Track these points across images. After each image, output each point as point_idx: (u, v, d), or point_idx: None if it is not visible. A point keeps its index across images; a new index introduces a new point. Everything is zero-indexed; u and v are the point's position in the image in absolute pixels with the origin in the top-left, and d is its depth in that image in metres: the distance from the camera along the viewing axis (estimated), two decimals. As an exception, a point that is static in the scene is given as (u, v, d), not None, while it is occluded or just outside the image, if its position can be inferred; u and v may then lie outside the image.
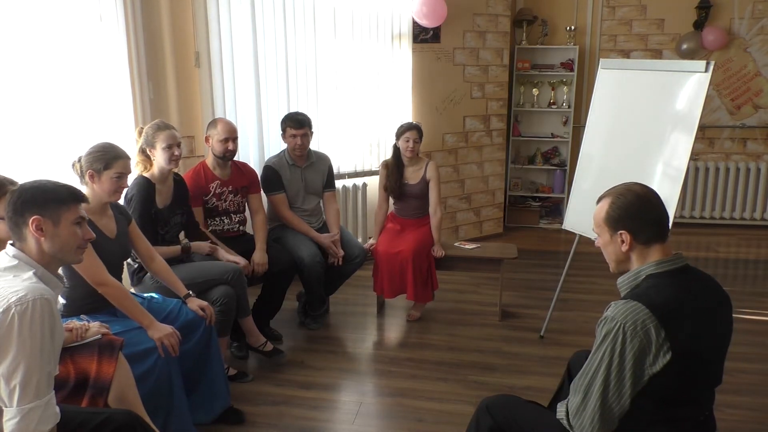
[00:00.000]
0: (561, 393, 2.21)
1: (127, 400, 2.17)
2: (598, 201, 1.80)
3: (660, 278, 1.68)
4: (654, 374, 1.59)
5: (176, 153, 2.99)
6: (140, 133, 3.07)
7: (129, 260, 2.98)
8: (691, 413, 1.70)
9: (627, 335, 1.57)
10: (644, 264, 1.72)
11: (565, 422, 1.72)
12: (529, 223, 6.24)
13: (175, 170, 3.16)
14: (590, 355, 1.66)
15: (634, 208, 1.70)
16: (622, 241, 1.72)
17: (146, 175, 3.03)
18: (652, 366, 1.58)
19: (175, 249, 3.11)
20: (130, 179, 2.84)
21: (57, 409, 1.71)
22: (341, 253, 3.75)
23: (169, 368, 2.45)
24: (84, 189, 2.51)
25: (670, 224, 1.84)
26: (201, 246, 3.20)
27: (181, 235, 3.29)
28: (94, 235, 1.93)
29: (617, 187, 1.78)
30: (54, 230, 1.78)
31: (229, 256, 3.26)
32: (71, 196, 1.84)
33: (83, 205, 1.88)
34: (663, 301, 1.61)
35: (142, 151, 3.03)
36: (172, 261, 2.97)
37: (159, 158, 2.99)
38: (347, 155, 4.80)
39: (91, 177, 2.48)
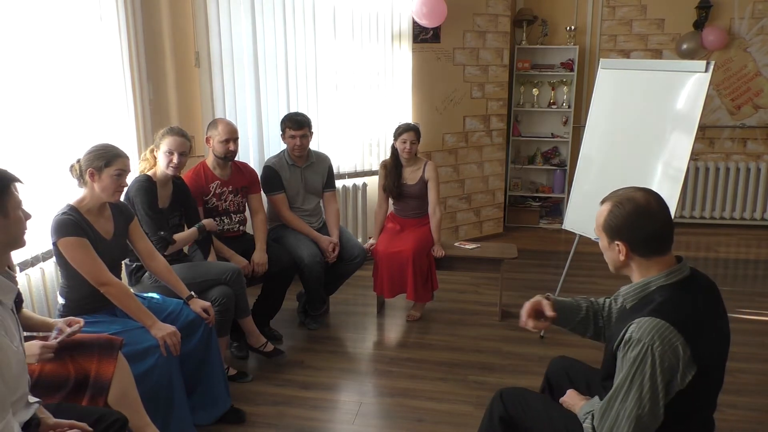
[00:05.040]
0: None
1: (127, 399, 2.17)
2: (602, 203, 1.73)
3: (672, 290, 1.64)
4: (679, 390, 1.58)
5: (175, 160, 2.98)
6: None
7: (126, 260, 2.98)
8: (699, 418, 1.72)
9: (656, 356, 1.53)
10: (651, 276, 1.66)
11: None
12: (529, 223, 6.23)
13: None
14: (618, 379, 1.61)
15: (632, 221, 1.62)
16: (619, 251, 1.67)
17: (148, 173, 3.05)
18: (681, 382, 1.57)
19: (192, 232, 3.15)
20: (130, 178, 2.84)
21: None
22: (334, 259, 3.78)
23: (169, 368, 2.45)
24: (83, 190, 2.51)
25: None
26: (210, 223, 3.23)
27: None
28: (31, 215, 1.80)
29: (620, 192, 1.70)
30: (4, 222, 1.68)
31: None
32: (8, 180, 1.71)
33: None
34: (685, 317, 1.58)
35: (151, 150, 3.08)
36: (170, 260, 2.97)
37: (159, 161, 3.03)
38: (347, 155, 4.80)
39: (92, 175, 2.46)
